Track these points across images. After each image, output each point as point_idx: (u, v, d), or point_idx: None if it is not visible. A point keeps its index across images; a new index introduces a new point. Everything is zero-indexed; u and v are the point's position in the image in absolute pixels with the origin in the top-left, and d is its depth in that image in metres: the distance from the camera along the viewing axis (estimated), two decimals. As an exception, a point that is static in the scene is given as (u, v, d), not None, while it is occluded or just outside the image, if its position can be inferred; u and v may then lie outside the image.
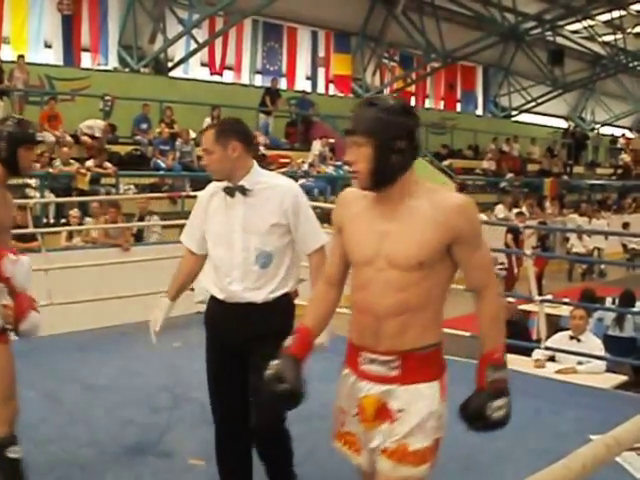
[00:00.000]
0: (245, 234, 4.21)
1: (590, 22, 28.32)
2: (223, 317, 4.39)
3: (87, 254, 11.49)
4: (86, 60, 20.59)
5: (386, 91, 27.34)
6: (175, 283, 4.62)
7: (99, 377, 6.91)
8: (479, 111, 32.05)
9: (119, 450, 5.41)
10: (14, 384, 4.37)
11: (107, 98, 17.95)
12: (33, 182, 14.71)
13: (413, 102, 28.84)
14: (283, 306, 4.33)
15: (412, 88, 28.58)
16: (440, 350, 3.31)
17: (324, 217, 17.52)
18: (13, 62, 17.71)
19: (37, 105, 17.47)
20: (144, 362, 7.42)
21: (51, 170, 14.95)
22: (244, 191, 4.22)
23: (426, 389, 3.20)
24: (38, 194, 14.25)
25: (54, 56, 19.95)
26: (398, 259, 3.12)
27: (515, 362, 7.96)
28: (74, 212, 13.41)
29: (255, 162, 4.37)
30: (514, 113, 32.64)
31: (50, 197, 14.14)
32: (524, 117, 33.01)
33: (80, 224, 13.36)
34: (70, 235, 12.86)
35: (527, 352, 8.34)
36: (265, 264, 4.22)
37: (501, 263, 18.05)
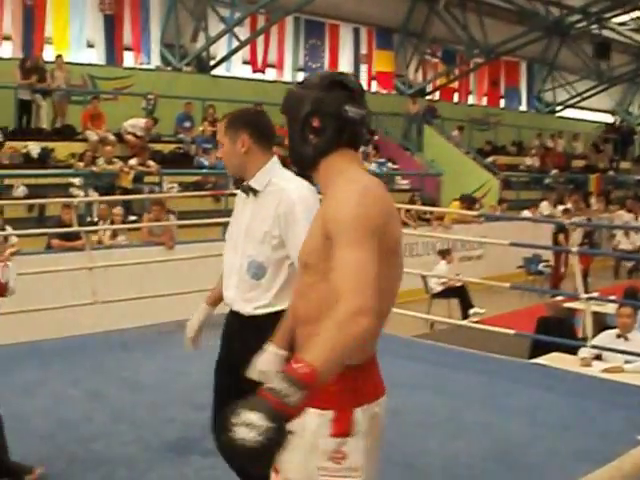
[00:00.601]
0: (246, 239, 3.86)
1: (638, 13, 27.86)
2: (226, 322, 4.20)
3: (131, 252, 11.52)
4: (128, 59, 20.69)
5: (429, 87, 27.24)
6: (215, 289, 4.29)
7: (142, 375, 6.92)
8: (523, 107, 31.76)
9: (163, 448, 5.41)
10: None
11: (150, 97, 18.01)
12: (77, 181, 14.82)
13: (456, 98, 28.73)
14: (268, 326, 3.33)
15: (455, 84, 28.41)
16: (348, 375, 2.56)
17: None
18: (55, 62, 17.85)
19: (80, 104, 17.58)
20: (187, 360, 7.41)
21: (95, 169, 15.05)
22: (253, 192, 3.88)
23: (313, 417, 2.57)
24: (82, 193, 14.34)
25: (97, 56, 20.06)
26: (299, 260, 2.82)
27: (561, 361, 7.90)
28: (117, 210, 13.47)
29: (274, 159, 3.99)
30: (558, 108, 32.30)
31: (94, 196, 14.22)
32: (569, 112, 32.66)
33: (123, 222, 13.42)
34: (114, 233, 12.91)
35: (573, 350, 8.24)
36: (256, 275, 3.83)
37: (546, 260, 17.93)
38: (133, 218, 14.12)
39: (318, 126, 2.70)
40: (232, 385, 3.58)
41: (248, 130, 3.89)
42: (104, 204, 13.29)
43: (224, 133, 3.95)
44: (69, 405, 6.07)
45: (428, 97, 26.67)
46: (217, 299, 4.25)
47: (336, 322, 2.33)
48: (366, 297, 2.36)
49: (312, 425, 2.56)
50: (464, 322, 11.77)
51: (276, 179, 3.86)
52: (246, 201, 3.94)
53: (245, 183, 3.92)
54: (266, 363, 3.11)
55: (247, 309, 3.92)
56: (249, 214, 3.88)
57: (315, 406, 2.51)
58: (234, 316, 4.03)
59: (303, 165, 2.82)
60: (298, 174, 3.39)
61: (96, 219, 13.47)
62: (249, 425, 2.13)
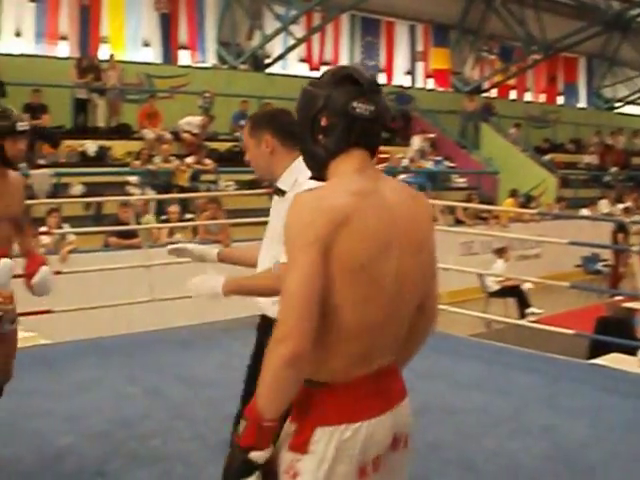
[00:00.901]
0: (271, 240, 3.77)
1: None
2: (257, 328, 4.14)
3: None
4: (184, 58, 20.82)
5: (485, 85, 27.06)
6: (235, 253, 4.34)
7: (200, 372, 6.93)
8: (582, 103, 31.37)
9: (221, 445, 5.36)
10: None
11: (206, 95, 18.06)
12: (134, 179, 14.91)
13: (513, 95, 28.50)
14: None
15: (512, 81, 28.16)
16: (316, 392, 2.47)
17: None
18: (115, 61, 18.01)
19: (136, 103, 17.69)
20: (245, 358, 7.40)
21: (151, 167, 15.14)
22: (281, 192, 3.78)
23: (287, 424, 2.53)
24: (139, 191, 14.42)
25: (153, 54, 20.23)
26: None
27: (621, 361, 7.79)
28: (174, 208, 13.52)
29: (300, 158, 3.85)
30: (618, 105, 31.85)
31: (150, 194, 14.30)
32: (629, 109, 32.18)
33: (180, 220, 13.48)
34: (171, 231, 12.97)
35: (633, 351, 8.11)
36: None
37: (605, 260, 17.72)
38: (190, 216, 14.17)
39: (326, 125, 2.51)
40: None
41: (271, 130, 3.79)
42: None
43: (249, 135, 3.89)
44: (127, 402, 6.09)
45: (485, 94, 26.46)
46: (228, 259, 4.23)
47: (267, 351, 2.33)
48: (289, 323, 2.29)
49: (285, 431, 2.52)
50: (521, 321, 11.67)
51: (302, 179, 3.52)
52: (276, 202, 3.86)
53: (274, 184, 3.86)
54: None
55: (271, 310, 3.72)
56: (275, 214, 3.80)
57: (291, 416, 2.52)
58: (266, 322, 3.88)
59: (315, 168, 2.63)
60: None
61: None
62: None
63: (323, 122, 2.50)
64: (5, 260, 4.39)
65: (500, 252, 14.96)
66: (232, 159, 17.25)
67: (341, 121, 2.49)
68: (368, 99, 2.49)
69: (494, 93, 27.35)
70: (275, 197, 3.91)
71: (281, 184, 3.79)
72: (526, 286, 14.30)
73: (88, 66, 17.18)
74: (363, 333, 2.42)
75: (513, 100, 28.26)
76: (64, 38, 18.80)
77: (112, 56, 17.96)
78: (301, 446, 2.44)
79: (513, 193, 19.34)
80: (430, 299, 2.66)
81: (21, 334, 8.50)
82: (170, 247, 4.18)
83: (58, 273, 9.03)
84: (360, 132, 2.50)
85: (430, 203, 2.68)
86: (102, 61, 17.79)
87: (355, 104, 2.47)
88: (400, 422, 2.54)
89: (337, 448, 2.40)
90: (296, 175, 3.70)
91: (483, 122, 23.94)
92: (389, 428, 2.49)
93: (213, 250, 4.17)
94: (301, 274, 2.31)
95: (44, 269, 4.77)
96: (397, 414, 2.53)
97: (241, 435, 2.37)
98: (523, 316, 13.74)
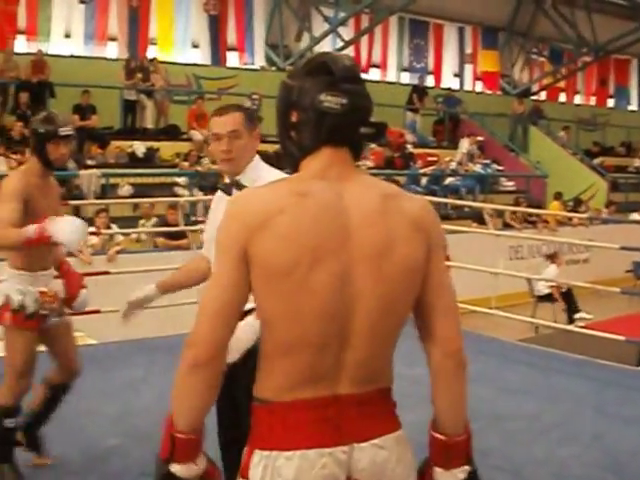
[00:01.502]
0: (208, 243, 3.69)
1: None
2: None
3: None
4: (233, 59, 20.86)
5: (535, 87, 26.85)
6: (173, 277, 4.23)
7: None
8: (633, 106, 30.97)
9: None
10: (29, 365, 4.59)
11: (254, 97, 18.08)
12: (182, 180, 14.96)
13: (563, 98, 28.25)
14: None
15: (562, 84, 27.90)
16: (261, 410, 2.21)
17: (474, 217, 17.29)
18: (162, 62, 18.11)
19: (184, 104, 17.76)
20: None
21: (199, 168, 15.17)
22: (240, 189, 3.50)
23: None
24: (187, 192, 14.47)
25: (201, 56, 20.28)
26: None
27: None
28: (222, 210, 13.53)
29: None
30: (671, 108, 31.45)
31: (199, 195, 14.33)
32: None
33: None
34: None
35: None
36: None
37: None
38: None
39: (296, 121, 2.25)
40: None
41: (258, 125, 3.74)
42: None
43: (244, 125, 3.69)
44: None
45: (534, 97, 26.26)
46: (169, 286, 4.14)
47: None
48: (198, 330, 2.15)
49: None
50: (570, 327, 11.55)
51: (263, 173, 3.61)
52: (220, 198, 3.76)
53: (231, 180, 3.72)
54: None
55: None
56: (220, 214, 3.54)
57: None
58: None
59: (290, 166, 2.34)
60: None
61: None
62: None
63: (293, 118, 2.26)
64: (69, 217, 4.45)
65: (552, 257, 14.85)
66: (280, 161, 17.25)
67: (310, 116, 2.22)
68: (341, 91, 2.20)
69: (543, 96, 27.12)
70: (221, 195, 3.79)
71: (244, 179, 3.66)
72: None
73: (137, 67, 17.29)
74: (300, 349, 2.14)
75: (562, 103, 27.98)
76: (113, 39, 18.94)
77: (154, 59, 18.11)
78: (243, 470, 2.20)
79: (558, 196, 19.16)
80: (426, 317, 2.29)
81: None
82: (123, 317, 4.13)
83: (106, 273, 9.10)
84: (330, 128, 2.22)
85: (425, 208, 2.28)
86: (151, 62, 17.89)
87: (323, 97, 2.19)
88: (366, 464, 2.16)
89: (271, 476, 2.13)
90: (258, 171, 3.68)
91: (532, 125, 23.77)
92: (336, 466, 2.13)
93: (151, 286, 4.06)
94: (215, 285, 2.17)
95: (84, 293, 4.91)
96: (358, 455, 2.15)
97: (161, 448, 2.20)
98: (572, 321, 13.61)
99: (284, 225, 2.09)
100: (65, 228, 4.27)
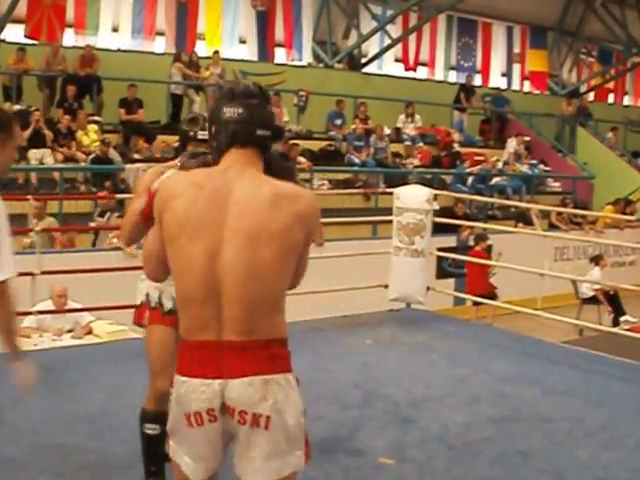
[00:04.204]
0: None
1: None
2: None
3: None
4: (280, 55, 20.86)
5: (583, 88, 26.62)
6: None
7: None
8: (683, 108, 30.63)
9: (313, 445, 5.35)
10: (165, 362, 4.41)
11: (301, 93, 18.10)
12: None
13: (611, 99, 27.99)
14: None
15: (610, 84, 27.66)
16: (180, 344, 3.04)
17: (519, 216, 17.19)
18: (208, 58, 18.12)
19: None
20: (336, 359, 7.40)
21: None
22: None
23: None
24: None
25: (248, 52, 20.31)
26: None
27: None
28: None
29: None
30: None
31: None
32: None
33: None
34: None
35: None
36: None
37: None
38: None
39: (214, 132, 3.03)
40: None
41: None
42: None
43: None
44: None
45: (582, 98, 26.01)
46: None
47: None
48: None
49: None
50: (615, 329, 11.44)
51: None
52: None
53: None
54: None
55: None
56: None
57: None
58: None
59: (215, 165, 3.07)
60: None
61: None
62: None
63: (213, 130, 3.04)
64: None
65: (597, 259, 14.73)
66: (326, 158, 17.25)
67: (219, 126, 3.00)
68: (238, 104, 2.97)
69: (591, 96, 26.88)
70: None
71: None
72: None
73: (187, 62, 17.35)
74: (190, 302, 2.88)
75: (611, 104, 27.72)
76: (161, 34, 19.02)
77: (216, 52, 18.10)
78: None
79: (616, 201, 18.91)
80: (265, 292, 2.87)
81: (111, 327, 8.64)
82: None
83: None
84: (232, 133, 2.97)
85: (309, 205, 2.92)
86: (200, 57, 17.94)
87: (225, 109, 2.98)
88: (234, 395, 2.82)
89: (175, 393, 2.93)
90: None
91: (580, 126, 23.55)
92: (212, 393, 2.82)
93: None
94: (150, 239, 3.13)
95: None
96: (230, 386, 2.81)
97: None
98: (617, 324, 13.49)
99: (178, 205, 2.86)
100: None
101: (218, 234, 2.81)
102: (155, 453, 4.49)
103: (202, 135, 4.50)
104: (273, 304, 2.91)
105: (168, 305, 4.48)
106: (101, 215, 12.75)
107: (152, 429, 4.48)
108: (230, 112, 2.96)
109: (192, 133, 4.58)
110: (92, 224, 12.61)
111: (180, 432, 2.94)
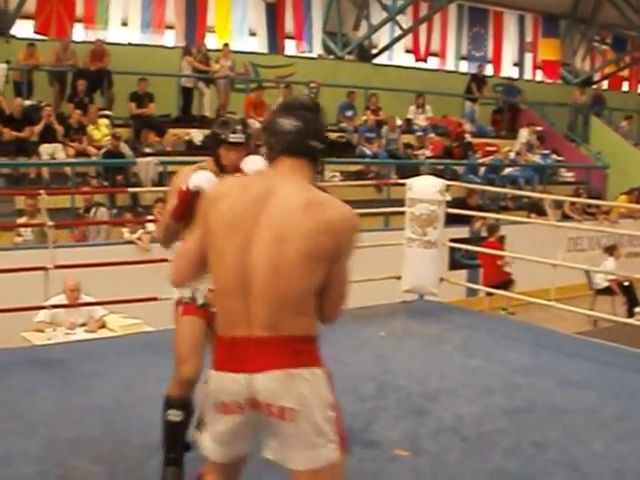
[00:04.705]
0: None
1: None
2: None
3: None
4: (290, 47, 20.85)
5: (596, 76, 26.48)
6: None
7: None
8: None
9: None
10: (190, 349, 4.48)
11: (312, 85, 18.07)
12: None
13: (626, 87, 27.83)
14: None
15: (625, 72, 27.49)
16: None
17: (532, 207, 17.10)
18: (218, 50, 18.11)
19: (242, 92, 17.79)
20: (350, 351, 7.39)
21: (257, 157, 15.18)
22: None
23: None
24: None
25: (258, 44, 20.29)
26: None
27: None
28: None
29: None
30: None
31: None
32: None
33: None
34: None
35: None
36: None
37: None
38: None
39: (267, 139, 3.23)
40: None
41: None
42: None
43: None
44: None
45: (595, 86, 25.87)
46: None
47: None
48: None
49: None
50: (629, 320, 11.40)
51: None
52: None
53: None
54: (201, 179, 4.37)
55: None
56: None
57: None
58: None
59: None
60: None
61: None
62: None
63: (268, 138, 3.24)
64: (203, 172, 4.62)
65: (611, 250, 14.68)
66: (338, 150, 17.22)
67: (274, 135, 3.21)
68: (294, 116, 3.13)
69: (605, 85, 26.74)
70: None
71: None
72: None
73: (197, 55, 17.35)
74: (224, 296, 3.06)
75: (625, 92, 27.57)
76: (170, 27, 19.02)
77: (226, 45, 18.08)
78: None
79: (630, 191, 18.81)
80: (289, 289, 2.99)
81: (125, 321, 8.65)
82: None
83: (164, 261, 9.11)
84: (286, 143, 3.14)
85: (343, 216, 3.06)
86: (209, 50, 17.92)
87: (281, 120, 3.14)
88: (261, 389, 2.97)
89: (209, 384, 3.12)
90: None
91: (593, 115, 23.44)
92: (239, 387, 2.99)
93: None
94: (189, 239, 3.27)
95: None
96: (256, 381, 2.97)
97: None
98: (632, 315, 13.45)
99: (223, 204, 3.05)
100: (196, 176, 4.48)
101: (252, 231, 2.97)
102: (176, 440, 4.57)
103: (234, 138, 4.62)
104: (299, 305, 3.02)
105: (200, 300, 4.56)
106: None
107: (175, 415, 4.53)
108: (286, 123, 3.11)
109: (224, 136, 4.62)
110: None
111: (209, 419, 3.14)
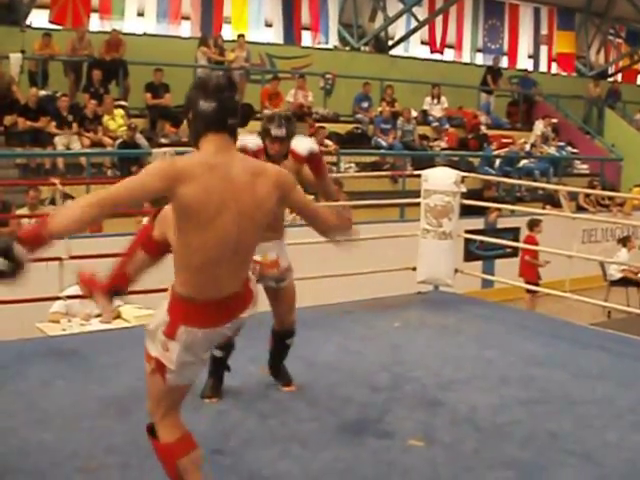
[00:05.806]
0: None
1: None
2: None
3: (310, 231, 11.58)
4: (306, 39, 20.83)
5: (611, 69, 26.42)
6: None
7: (320, 354, 6.90)
8: None
9: (338, 427, 5.37)
10: None
11: (328, 76, 18.09)
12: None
13: (640, 80, 27.80)
14: None
15: (639, 66, 27.43)
16: (182, 302, 3.64)
17: (547, 198, 17.08)
18: (234, 41, 18.12)
19: (258, 83, 17.79)
20: (365, 341, 7.40)
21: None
22: None
23: (164, 312, 3.71)
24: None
25: (274, 35, 20.29)
26: None
27: None
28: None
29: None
30: None
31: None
32: None
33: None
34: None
35: None
36: None
37: None
38: (310, 197, 14.19)
39: (192, 117, 3.59)
40: None
41: None
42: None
43: None
44: (247, 381, 6.11)
45: (610, 79, 25.82)
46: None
47: None
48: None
49: (160, 316, 3.68)
50: (644, 311, 11.39)
51: None
52: None
53: None
54: None
55: None
56: None
57: (168, 308, 3.65)
58: None
59: (193, 145, 3.68)
60: None
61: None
62: None
63: (190, 116, 3.62)
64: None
65: (624, 241, 14.67)
66: (353, 141, 17.23)
67: (196, 115, 3.58)
68: (212, 98, 3.53)
69: (619, 78, 26.67)
70: None
71: None
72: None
73: (213, 46, 17.36)
74: (206, 268, 3.52)
75: (639, 85, 27.49)
76: (186, 18, 19.03)
77: (242, 36, 18.11)
78: (170, 334, 3.61)
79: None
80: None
81: (139, 311, 8.68)
82: None
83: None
84: (207, 122, 3.56)
85: (280, 173, 3.69)
86: (226, 41, 17.93)
87: (201, 102, 3.54)
88: (233, 327, 3.74)
89: (190, 341, 3.60)
90: None
91: (608, 107, 23.39)
92: (227, 330, 3.70)
93: None
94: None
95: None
96: (232, 324, 3.70)
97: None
98: (646, 306, 13.43)
99: (198, 184, 3.38)
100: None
101: (235, 208, 3.46)
102: (217, 367, 5.72)
103: (275, 133, 5.42)
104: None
105: None
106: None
107: (218, 353, 5.58)
108: (205, 105, 3.52)
109: (267, 128, 5.44)
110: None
111: (185, 369, 3.71)
